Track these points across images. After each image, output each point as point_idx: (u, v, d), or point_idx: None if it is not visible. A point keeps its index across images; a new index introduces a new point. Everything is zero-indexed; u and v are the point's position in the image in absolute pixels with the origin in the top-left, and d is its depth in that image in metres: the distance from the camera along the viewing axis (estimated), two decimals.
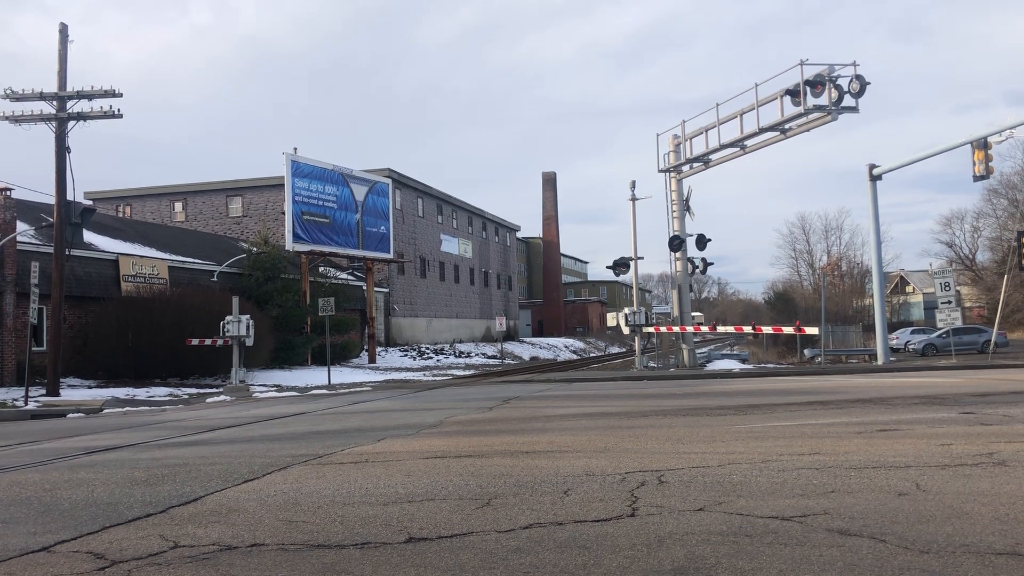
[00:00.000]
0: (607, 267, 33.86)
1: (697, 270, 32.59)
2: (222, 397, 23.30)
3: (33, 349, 23.05)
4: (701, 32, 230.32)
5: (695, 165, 31.42)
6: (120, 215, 52.09)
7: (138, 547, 4.67)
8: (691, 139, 31.11)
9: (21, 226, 27.17)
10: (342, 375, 32.89)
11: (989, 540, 4.19)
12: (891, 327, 43.61)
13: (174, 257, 34.92)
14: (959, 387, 16.01)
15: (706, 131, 30.08)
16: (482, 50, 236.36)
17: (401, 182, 54.87)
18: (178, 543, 4.72)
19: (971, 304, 67.68)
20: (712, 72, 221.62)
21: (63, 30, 23.19)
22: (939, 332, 37.38)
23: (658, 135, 32.16)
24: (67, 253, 24.22)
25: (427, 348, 53.13)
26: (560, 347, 69.28)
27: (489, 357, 53.09)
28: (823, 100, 25.81)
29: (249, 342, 25.91)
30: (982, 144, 25.12)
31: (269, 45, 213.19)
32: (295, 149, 39.16)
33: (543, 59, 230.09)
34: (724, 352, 45.71)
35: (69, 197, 23.74)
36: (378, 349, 45.54)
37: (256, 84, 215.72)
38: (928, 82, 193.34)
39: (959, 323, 30.84)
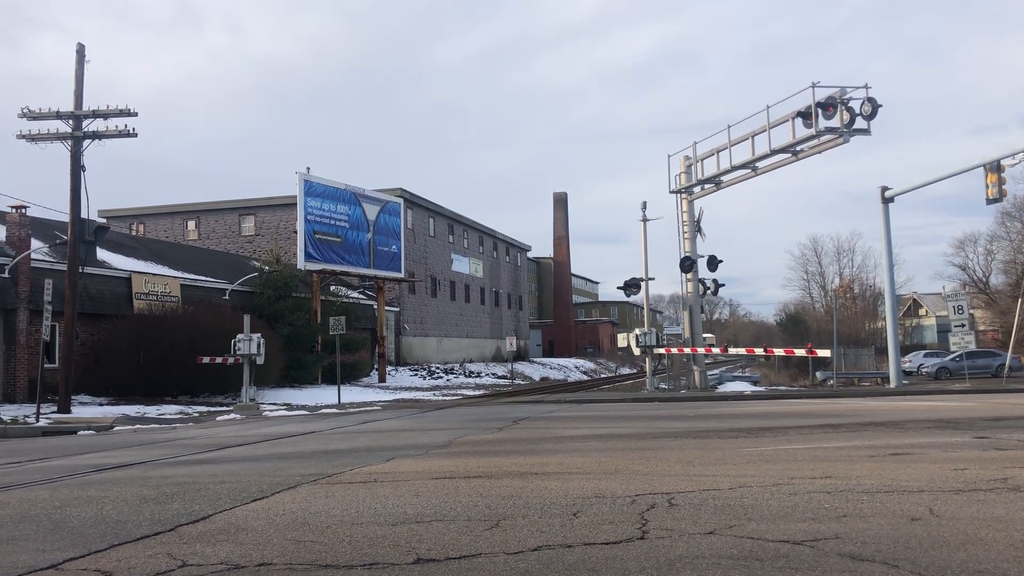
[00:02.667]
0: (618, 287, 33.85)
1: (708, 291, 32.51)
2: (232, 415, 23.33)
3: (45, 366, 23.15)
4: (715, 54, 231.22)
5: (706, 186, 31.43)
6: (133, 233, 52.43)
7: (146, 565, 4.66)
8: (702, 160, 31.13)
9: (35, 243, 27.39)
10: (352, 394, 32.88)
11: (1004, 567, 4.14)
12: (904, 350, 43.35)
13: (186, 275, 35.09)
14: (973, 411, 15.88)
15: (717, 152, 30.12)
16: (496, 72, 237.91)
17: (413, 202, 55.09)
18: (186, 562, 4.71)
19: (985, 327, 67.19)
20: (725, 94, 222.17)
21: (80, 50, 23.48)
22: (952, 355, 37.10)
23: (669, 156, 32.22)
24: (80, 271, 24.38)
25: (437, 367, 53.10)
26: (570, 367, 69.10)
27: (499, 377, 53.00)
28: (835, 122, 25.83)
29: (260, 360, 25.96)
30: (995, 167, 25.05)
31: (283, 67, 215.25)
32: (308, 169, 39.40)
33: (557, 81, 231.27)
34: (735, 374, 45.42)
35: (83, 215, 23.96)
36: (388, 368, 45.53)
37: (270, 105, 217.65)
38: (943, 104, 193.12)
39: (972, 346, 30.66)
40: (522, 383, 49.24)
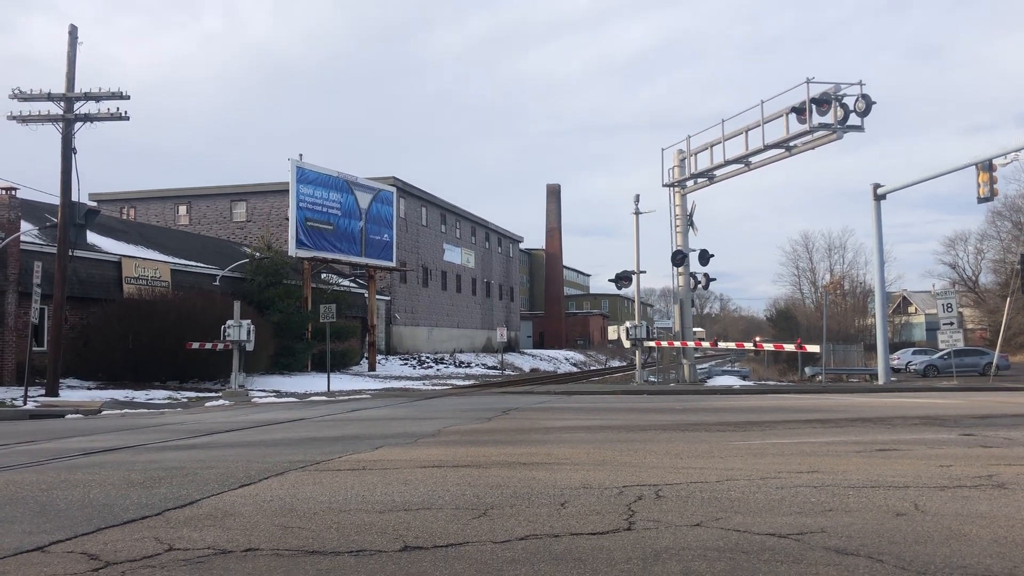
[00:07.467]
0: (609, 280, 33.86)
1: (699, 285, 32.56)
2: (221, 401, 23.28)
3: (34, 349, 23.05)
4: (711, 49, 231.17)
5: (699, 180, 31.43)
6: (124, 217, 52.18)
7: (132, 549, 4.65)
8: (696, 154, 31.12)
9: (25, 226, 27.24)
10: (341, 382, 32.86)
11: (987, 563, 4.17)
12: (893, 347, 43.58)
13: (177, 260, 34.96)
14: (960, 409, 15.98)
15: (711, 147, 30.10)
16: (492, 63, 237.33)
17: (405, 191, 54.96)
18: (173, 546, 4.71)
19: (973, 326, 67.61)
20: (721, 88, 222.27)
21: (72, 32, 23.30)
22: (941, 353, 37.33)
23: (663, 150, 32.18)
24: (70, 254, 24.25)
25: (427, 357, 53.09)
26: (561, 359, 69.21)
27: (489, 368, 53.04)
28: (828, 118, 25.82)
29: (249, 347, 25.91)
30: (987, 166, 25.10)
31: (278, 53, 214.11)
32: (300, 155, 39.26)
33: (552, 73, 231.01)
34: (725, 368, 45.63)
35: (74, 198, 23.80)
36: (378, 357, 45.50)
37: (264, 91, 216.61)
38: (939, 102, 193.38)
39: (961, 345, 30.85)
40: (512, 374, 49.28)
